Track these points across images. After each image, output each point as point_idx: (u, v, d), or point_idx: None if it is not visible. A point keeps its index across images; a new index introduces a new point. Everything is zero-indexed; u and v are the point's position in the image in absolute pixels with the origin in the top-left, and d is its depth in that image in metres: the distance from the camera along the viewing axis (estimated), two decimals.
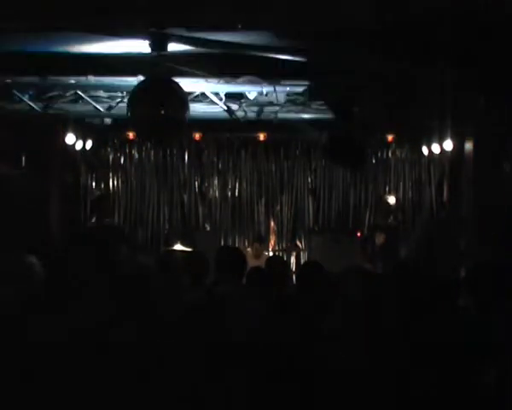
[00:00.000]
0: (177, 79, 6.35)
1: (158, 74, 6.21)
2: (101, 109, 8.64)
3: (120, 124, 9.31)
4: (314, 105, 8.75)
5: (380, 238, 9.36)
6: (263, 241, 9.70)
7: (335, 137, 8.25)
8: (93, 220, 9.00)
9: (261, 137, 10.47)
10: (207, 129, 10.21)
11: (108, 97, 8.59)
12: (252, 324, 3.92)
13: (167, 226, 11.11)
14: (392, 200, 10.14)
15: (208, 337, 3.68)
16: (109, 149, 11.11)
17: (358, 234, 10.63)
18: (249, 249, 9.48)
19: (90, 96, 8.46)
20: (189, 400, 3.50)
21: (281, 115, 8.88)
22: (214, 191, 11.21)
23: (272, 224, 10.81)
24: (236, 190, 11.21)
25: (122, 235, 8.72)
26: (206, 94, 8.18)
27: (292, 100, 8.65)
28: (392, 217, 9.91)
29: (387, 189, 11.06)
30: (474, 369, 3.76)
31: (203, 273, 5.17)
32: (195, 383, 3.54)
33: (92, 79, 7.61)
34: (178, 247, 9.32)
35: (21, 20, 5.53)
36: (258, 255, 9.06)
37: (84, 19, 5.50)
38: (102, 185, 11.04)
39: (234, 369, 3.60)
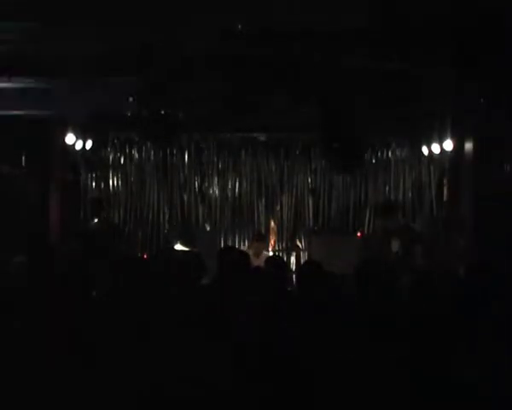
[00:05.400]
0: None
1: None
2: None
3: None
4: None
5: (395, 245, 9.11)
6: (263, 239, 9.68)
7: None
8: (96, 220, 9.07)
9: (261, 137, 10.41)
10: (207, 129, 10.20)
11: None
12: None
13: (167, 226, 11.10)
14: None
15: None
16: (109, 149, 11.09)
17: (358, 234, 10.61)
18: (249, 248, 9.47)
19: None
20: None
21: None
22: (214, 191, 11.20)
23: (272, 224, 10.79)
24: (236, 190, 11.20)
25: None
26: None
27: None
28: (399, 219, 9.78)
29: (388, 189, 11.05)
30: None
31: (201, 273, 5.17)
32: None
33: None
34: (178, 247, 9.32)
35: None
36: (258, 254, 9.04)
37: None
38: (102, 185, 11.02)
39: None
